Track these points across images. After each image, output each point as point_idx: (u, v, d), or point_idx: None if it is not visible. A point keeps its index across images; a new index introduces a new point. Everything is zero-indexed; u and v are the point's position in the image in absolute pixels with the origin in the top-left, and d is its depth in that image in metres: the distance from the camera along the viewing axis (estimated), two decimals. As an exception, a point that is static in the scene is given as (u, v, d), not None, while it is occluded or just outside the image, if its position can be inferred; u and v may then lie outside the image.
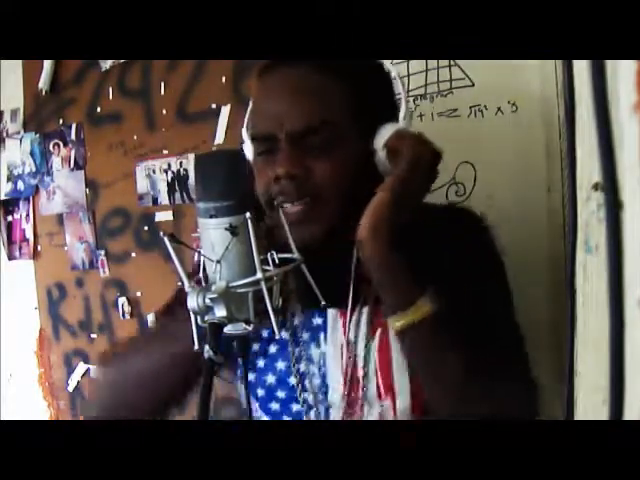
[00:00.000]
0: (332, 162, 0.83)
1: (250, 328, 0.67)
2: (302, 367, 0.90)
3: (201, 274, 0.68)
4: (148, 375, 0.88)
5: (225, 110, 1.64)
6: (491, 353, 0.79)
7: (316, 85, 0.84)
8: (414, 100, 1.32)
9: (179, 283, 0.99)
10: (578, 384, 0.59)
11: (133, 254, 1.88)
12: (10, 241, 2.18)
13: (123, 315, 1.90)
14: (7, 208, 2.18)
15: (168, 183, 1.77)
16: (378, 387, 0.88)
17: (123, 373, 0.92)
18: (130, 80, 1.82)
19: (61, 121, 2.00)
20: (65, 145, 2.00)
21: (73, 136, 1.97)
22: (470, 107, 1.26)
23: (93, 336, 1.99)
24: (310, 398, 0.90)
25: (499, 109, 1.23)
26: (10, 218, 2.18)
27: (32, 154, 2.07)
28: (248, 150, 0.89)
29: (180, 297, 0.97)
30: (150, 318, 1.82)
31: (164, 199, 1.79)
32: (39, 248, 2.12)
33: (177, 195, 1.76)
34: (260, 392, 0.93)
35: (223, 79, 1.64)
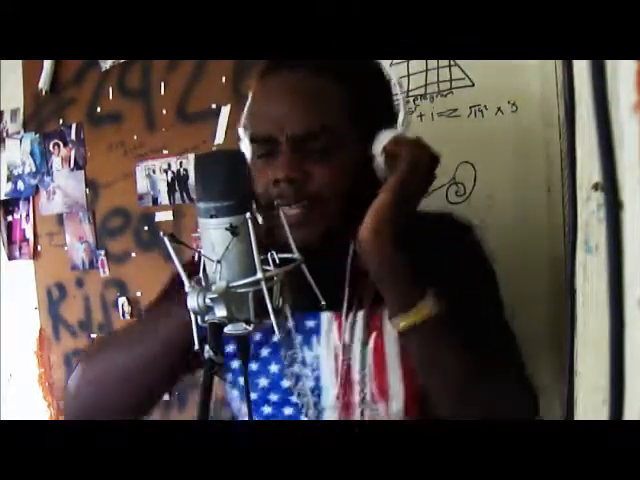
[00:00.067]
0: (331, 167, 0.84)
1: (250, 328, 0.66)
2: (295, 370, 0.90)
3: (201, 274, 0.68)
4: (134, 368, 0.86)
5: (225, 110, 1.64)
6: (483, 355, 0.80)
7: (317, 88, 0.84)
8: (414, 100, 1.32)
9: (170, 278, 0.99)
10: (578, 384, 0.59)
11: (133, 254, 1.88)
12: (10, 241, 2.18)
13: (123, 315, 1.90)
14: (7, 208, 2.18)
15: (168, 183, 1.77)
16: (372, 390, 0.88)
17: (105, 369, 0.89)
18: (130, 80, 1.82)
19: (61, 121, 1.99)
20: (65, 145, 2.00)
21: (73, 136, 1.97)
22: (470, 107, 1.26)
23: (93, 336, 1.99)
24: (303, 401, 0.90)
25: (499, 109, 1.23)
26: (10, 218, 2.18)
27: (32, 154, 2.07)
28: (246, 149, 0.90)
29: (170, 289, 0.97)
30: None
31: (164, 199, 1.79)
32: (39, 248, 2.12)
33: (177, 195, 1.76)
34: (253, 396, 0.92)
35: (223, 79, 1.64)
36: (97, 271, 1.96)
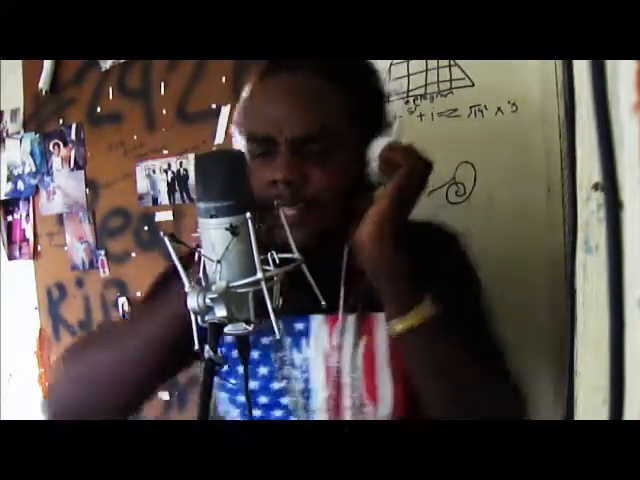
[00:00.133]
0: (329, 169, 0.84)
1: (250, 328, 0.66)
2: (285, 372, 0.91)
3: (201, 274, 0.68)
4: (120, 365, 0.85)
5: (225, 110, 1.64)
6: (473, 358, 0.81)
7: (316, 90, 0.84)
8: (414, 100, 1.32)
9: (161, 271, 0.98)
10: (578, 384, 0.59)
11: (133, 254, 1.88)
12: (10, 241, 2.18)
13: (123, 315, 1.90)
14: (7, 208, 2.18)
15: (168, 183, 1.77)
16: (361, 393, 0.88)
17: (90, 367, 0.88)
18: (130, 80, 1.82)
19: (61, 121, 2.00)
20: (65, 145, 2.00)
21: (73, 136, 1.97)
22: (470, 107, 1.26)
23: (93, 336, 1.99)
24: (293, 403, 0.90)
25: (499, 109, 1.23)
26: (10, 218, 2.18)
27: (32, 154, 2.08)
28: (239, 147, 0.89)
29: (158, 288, 0.96)
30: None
31: (164, 199, 1.79)
32: (39, 248, 2.12)
33: (177, 195, 1.76)
34: (241, 398, 0.92)
35: (223, 79, 1.64)
36: (97, 271, 1.96)
